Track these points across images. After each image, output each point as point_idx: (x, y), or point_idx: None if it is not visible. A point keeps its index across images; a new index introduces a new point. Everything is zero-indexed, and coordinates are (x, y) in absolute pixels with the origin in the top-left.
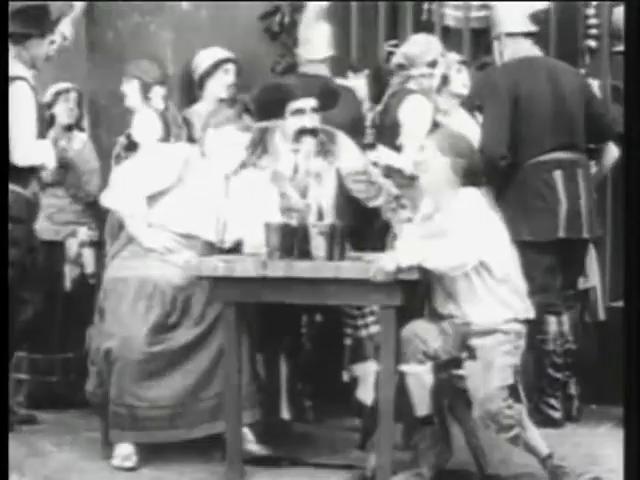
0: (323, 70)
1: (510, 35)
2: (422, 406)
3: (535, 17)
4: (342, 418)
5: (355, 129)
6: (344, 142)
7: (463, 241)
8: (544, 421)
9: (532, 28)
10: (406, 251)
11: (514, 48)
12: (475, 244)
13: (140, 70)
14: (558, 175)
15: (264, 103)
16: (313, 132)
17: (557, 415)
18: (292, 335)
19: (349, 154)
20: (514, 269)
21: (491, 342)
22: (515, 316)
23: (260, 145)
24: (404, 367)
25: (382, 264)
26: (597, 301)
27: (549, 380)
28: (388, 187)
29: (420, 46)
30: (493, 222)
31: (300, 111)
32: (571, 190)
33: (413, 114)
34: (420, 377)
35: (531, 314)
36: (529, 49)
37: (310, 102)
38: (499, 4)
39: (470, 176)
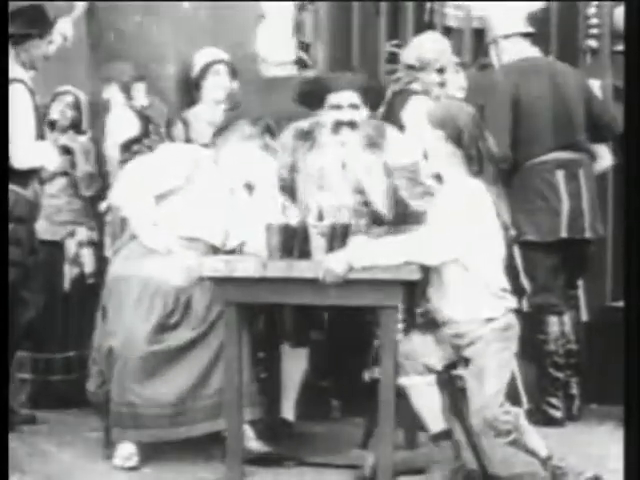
0: (291, 71)
1: (507, 37)
2: (435, 422)
3: (532, 17)
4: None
5: None
6: (394, 136)
7: (426, 239)
8: (545, 421)
9: (529, 29)
10: (360, 250)
11: (513, 50)
12: (440, 244)
13: (116, 72)
14: (560, 175)
15: (304, 96)
16: (352, 125)
17: (558, 414)
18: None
19: (399, 149)
20: (496, 268)
21: (481, 347)
22: (499, 314)
23: (310, 139)
24: (403, 380)
25: (331, 266)
26: (580, 302)
27: (550, 380)
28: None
29: (435, 52)
30: (480, 220)
31: (337, 105)
32: (573, 190)
33: (416, 116)
34: (424, 390)
35: (513, 304)
36: (528, 50)
37: (349, 96)
38: (493, 8)
39: (470, 149)
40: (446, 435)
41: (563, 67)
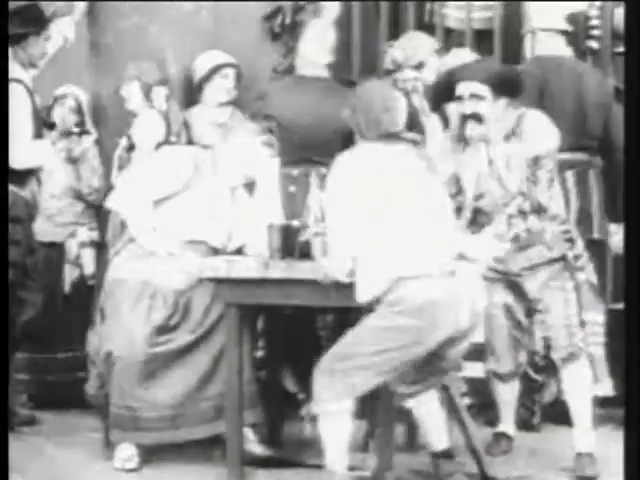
0: (324, 73)
1: (545, 30)
2: (441, 439)
3: (572, 17)
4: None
5: (351, 133)
6: (534, 122)
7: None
8: (520, 424)
9: (568, 27)
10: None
11: (547, 44)
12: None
13: (140, 71)
14: (569, 175)
15: (435, 90)
16: (476, 118)
17: (534, 420)
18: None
19: (535, 137)
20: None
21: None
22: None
23: (462, 139)
24: (411, 403)
25: (328, 270)
26: None
27: (527, 382)
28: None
29: (406, 51)
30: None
31: (459, 97)
32: (582, 190)
33: None
34: (427, 407)
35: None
36: (562, 48)
37: (470, 87)
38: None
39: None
40: (447, 454)
41: (592, 72)
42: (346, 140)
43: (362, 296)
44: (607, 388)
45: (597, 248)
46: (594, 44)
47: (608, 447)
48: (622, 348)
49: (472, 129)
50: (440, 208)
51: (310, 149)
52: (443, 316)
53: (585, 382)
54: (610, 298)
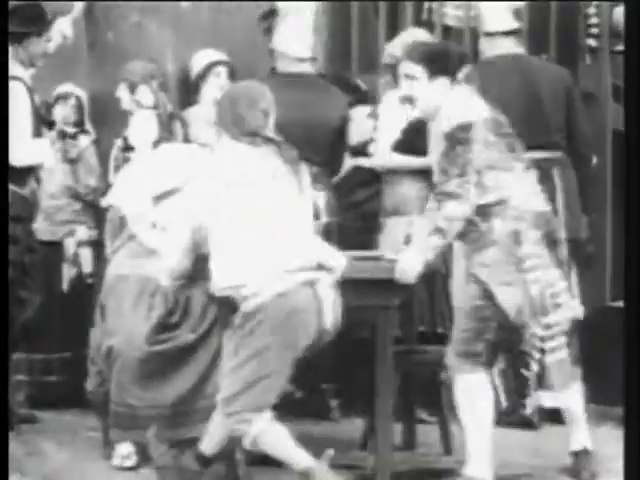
0: (307, 69)
1: (489, 34)
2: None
3: (516, 14)
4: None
5: (341, 130)
6: (454, 98)
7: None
8: (520, 422)
9: (511, 26)
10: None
11: (495, 47)
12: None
13: (128, 71)
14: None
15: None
16: (408, 100)
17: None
18: None
19: (450, 112)
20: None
21: None
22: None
23: None
24: None
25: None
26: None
27: (522, 381)
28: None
29: (402, 48)
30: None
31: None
32: (546, 190)
33: (388, 108)
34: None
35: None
36: (510, 47)
37: (406, 67)
38: (481, 3)
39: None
40: None
41: (545, 67)
42: (335, 137)
43: (216, 289)
44: None
45: (595, 248)
46: (593, 42)
47: (608, 446)
48: (622, 348)
49: (408, 111)
50: (298, 213)
51: (298, 147)
52: (307, 323)
53: (580, 399)
54: (609, 297)
